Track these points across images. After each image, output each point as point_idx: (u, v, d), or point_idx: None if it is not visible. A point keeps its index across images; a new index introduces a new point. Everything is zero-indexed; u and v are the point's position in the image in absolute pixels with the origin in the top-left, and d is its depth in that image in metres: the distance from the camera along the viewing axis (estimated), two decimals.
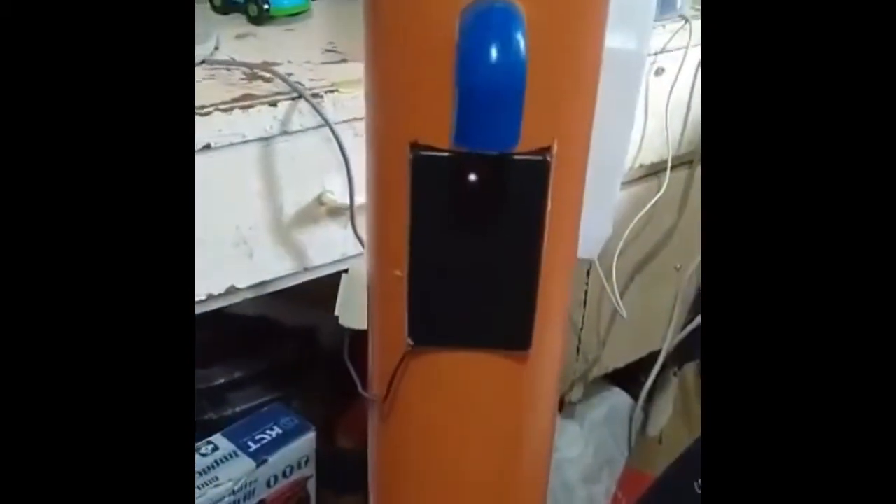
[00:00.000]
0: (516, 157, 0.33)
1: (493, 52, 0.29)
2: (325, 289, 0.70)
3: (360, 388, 0.43)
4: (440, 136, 0.33)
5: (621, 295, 0.88)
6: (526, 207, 0.35)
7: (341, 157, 0.66)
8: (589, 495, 0.97)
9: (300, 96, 0.65)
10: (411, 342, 0.37)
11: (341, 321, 0.50)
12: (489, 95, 0.29)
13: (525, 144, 0.33)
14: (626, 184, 0.83)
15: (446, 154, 0.33)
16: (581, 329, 0.93)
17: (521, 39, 0.29)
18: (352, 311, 0.49)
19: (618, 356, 0.98)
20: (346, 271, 0.51)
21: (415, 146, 0.34)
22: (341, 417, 1.06)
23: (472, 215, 0.35)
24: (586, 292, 0.91)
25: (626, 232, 0.84)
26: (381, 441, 0.42)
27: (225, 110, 0.63)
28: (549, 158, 0.33)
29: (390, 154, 0.35)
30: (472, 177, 0.33)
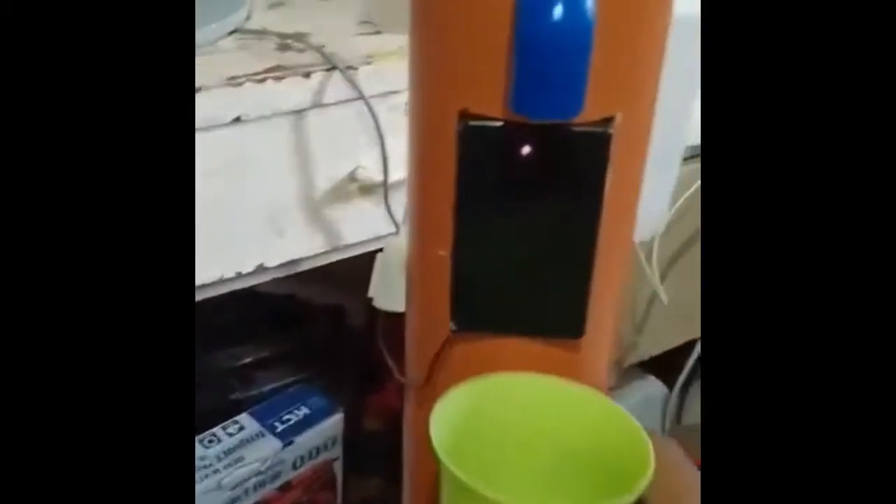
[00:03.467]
0: (575, 128, 0.30)
1: (558, 10, 0.26)
2: (354, 268, 0.68)
3: (395, 373, 0.41)
4: (492, 104, 0.30)
5: (661, 279, 0.85)
6: (583, 183, 0.32)
7: (375, 132, 0.64)
8: None
9: (334, 68, 0.63)
10: (454, 327, 0.35)
11: (375, 303, 0.47)
12: (553, 58, 0.26)
13: (584, 115, 0.30)
14: None
15: (498, 124, 0.31)
16: None
17: None
18: (387, 292, 0.47)
19: (655, 343, 0.96)
20: (380, 250, 0.48)
21: (463, 115, 0.31)
22: (368, 399, 1.04)
23: (524, 192, 0.32)
24: None
25: (671, 213, 0.81)
26: (417, 427, 0.40)
27: (258, 81, 0.60)
28: (610, 131, 0.31)
29: (436, 124, 0.32)
30: (526, 149, 0.31)
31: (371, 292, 0.48)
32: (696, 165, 0.90)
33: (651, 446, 0.31)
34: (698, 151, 0.91)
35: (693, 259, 0.97)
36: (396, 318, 0.44)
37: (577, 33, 0.26)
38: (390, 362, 0.43)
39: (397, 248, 0.44)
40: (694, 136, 0.84)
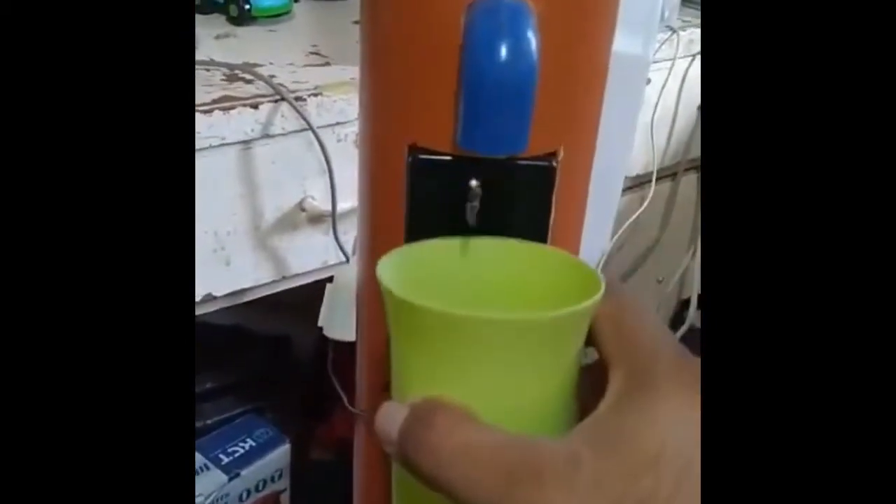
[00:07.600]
0: (521, 162, 0.31)
1: (503, 50, 0.27)
2: (300, 298, 0.69)
3: (346, 403, 0.41)
4: (441, 138, 0.31)
5: None
6: (529, 216, 0.33)
7: (324, 162, 0.65)
8: None
9: (282, 99, 0.64)
10: None
11: (326, 332, 0.48)
12: (498, 95, 0.28)
13: (530, 149, 0.31)
14: None
15: (447, 158, 0.32)
16: None
17: (532, 37, 0.28)
18: (338, 321, 0.47)
19: None
20: (330, 280, 0.49)
21: (413, 149, 0.32)
22: (316, 429, 1.04)
23: (472, 223, 0.33)
24: None
25: (610, 244, 0.83)
26: (368, 460, 0.40)
27: (205, 112, 0.61)
28: (555, 164, 0.32)
29: (386, 157, 0.33)
30: (474, 182, 0.32)
31: (321, 322, 0.48)
32: (636, 195, 0.93)
33: (601, 276, 0.30)
34: (637, 182, 0.94)
35: (634, 287, 0.99)
36: (346, 348, 0.44)
37: (522, 73, 0.27)
38: (341, 392, 0.43)
39: (348, 278, 0.45)
40: (632, 167, 0.87)
